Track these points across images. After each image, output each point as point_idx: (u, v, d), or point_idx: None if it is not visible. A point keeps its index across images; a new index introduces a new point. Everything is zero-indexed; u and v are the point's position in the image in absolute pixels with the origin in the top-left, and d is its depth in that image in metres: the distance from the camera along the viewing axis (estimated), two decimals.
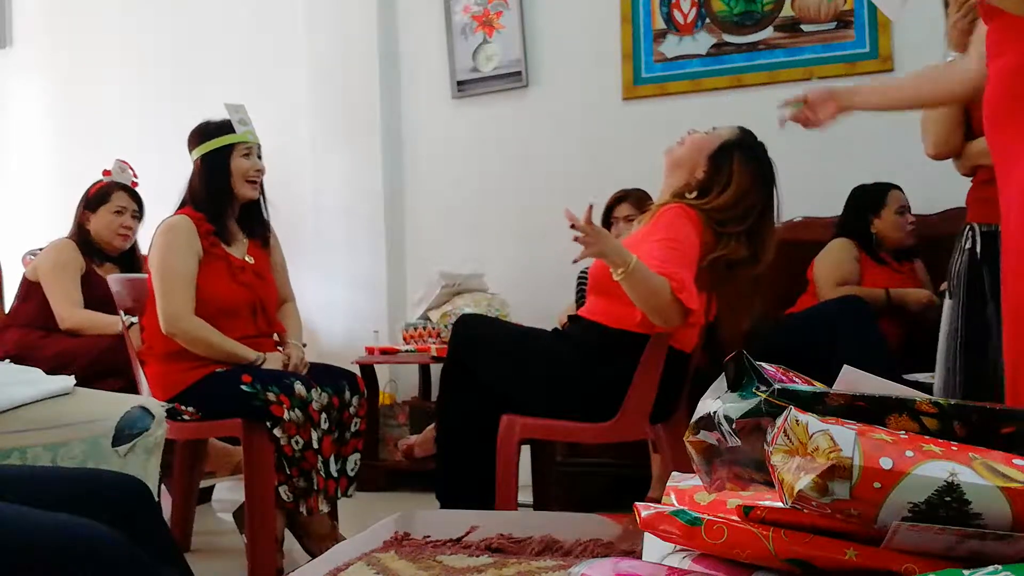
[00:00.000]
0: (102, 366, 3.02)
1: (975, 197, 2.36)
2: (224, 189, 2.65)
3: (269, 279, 2.77)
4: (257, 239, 2.76)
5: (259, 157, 2.72)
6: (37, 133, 5.06)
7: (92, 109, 4.87)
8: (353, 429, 2.63)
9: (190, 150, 2.71)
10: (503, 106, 4.20)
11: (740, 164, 2.44)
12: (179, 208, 2.68)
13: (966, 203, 2.36)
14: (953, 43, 2.25)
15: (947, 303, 2.31)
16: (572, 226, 2.15)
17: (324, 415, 2.51)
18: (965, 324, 2.31)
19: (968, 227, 2.30)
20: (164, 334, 2.52)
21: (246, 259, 2.69)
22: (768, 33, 3.79)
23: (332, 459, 2.53)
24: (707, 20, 3.88)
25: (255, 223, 2.75)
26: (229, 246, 2.66)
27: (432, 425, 2.67)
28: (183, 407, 2.52)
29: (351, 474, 2.60)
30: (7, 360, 2.25)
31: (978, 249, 2.27)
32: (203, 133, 2.69)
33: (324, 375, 2.63)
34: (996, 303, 2.18)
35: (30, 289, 3.34)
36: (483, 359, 2.43)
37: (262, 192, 2.74)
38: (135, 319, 2.85)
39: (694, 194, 2.45)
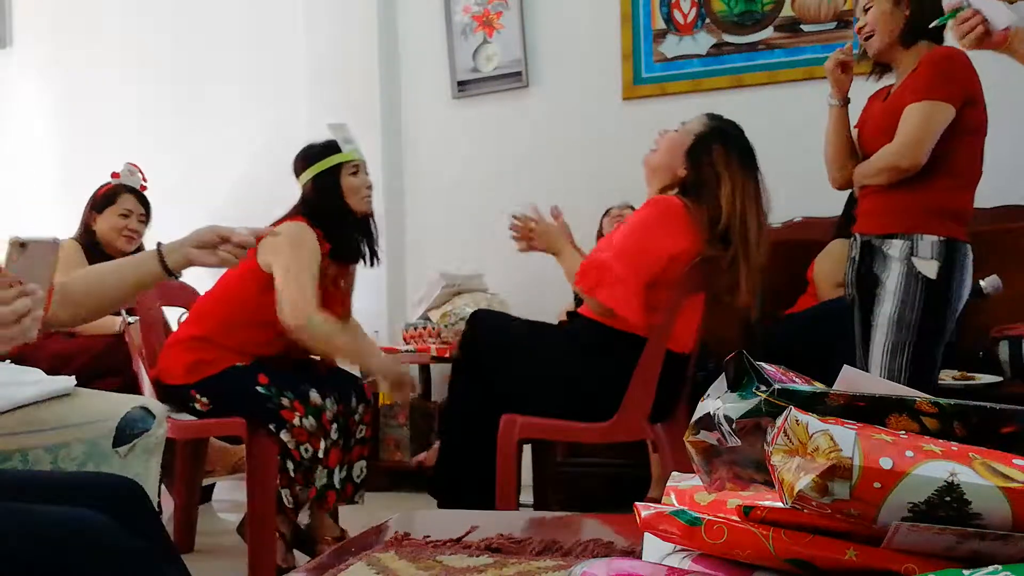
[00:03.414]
0: (100, 366, 3.02)
1: (859, 211, 2.51)
2: (340, 206, 2.62)
3: (347, 306, 2.75)
4: (354, 263, 2.73)
5: (366, 173, 2.69)
6: (37, 133, 5.06)
7: (92, 109, 4.86)
8: (358, 436, 2.63)
9: (297, 175, 2.68)
10: (503, 106, 4.20)
11: (723, 155, 2.40)
12: (291, 216, 2.60)
13: (855, 217, 2.54)
14: (832, 90, 2.49)
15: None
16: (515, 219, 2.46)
17: (335, 424, 2.51)
18: (861, 324, 2.44)
19: (853, 238, 2.45)
20: (291, 325, 2.44)
21: (340, 284, 2.68)
22: (768, 33, 3.79)
23: (337, 469, 2.53)
24: (707, 20, 3.88)
25: (364, 246, 2.72)
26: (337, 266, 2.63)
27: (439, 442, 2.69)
28: (197, 395, 2.52)
29: (357, 481, 2.61)
30: (7, 360, 2.25)
31: (856, 256, 2.47)
32: (309, 156, 2.66)
33: (331, 380, 2.63)
34: (868, 303, 2.42)
35: None
36: (489, 356, 2.44)
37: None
38: (135, 319, 2.85)
39: (675, 191, 2.45)
